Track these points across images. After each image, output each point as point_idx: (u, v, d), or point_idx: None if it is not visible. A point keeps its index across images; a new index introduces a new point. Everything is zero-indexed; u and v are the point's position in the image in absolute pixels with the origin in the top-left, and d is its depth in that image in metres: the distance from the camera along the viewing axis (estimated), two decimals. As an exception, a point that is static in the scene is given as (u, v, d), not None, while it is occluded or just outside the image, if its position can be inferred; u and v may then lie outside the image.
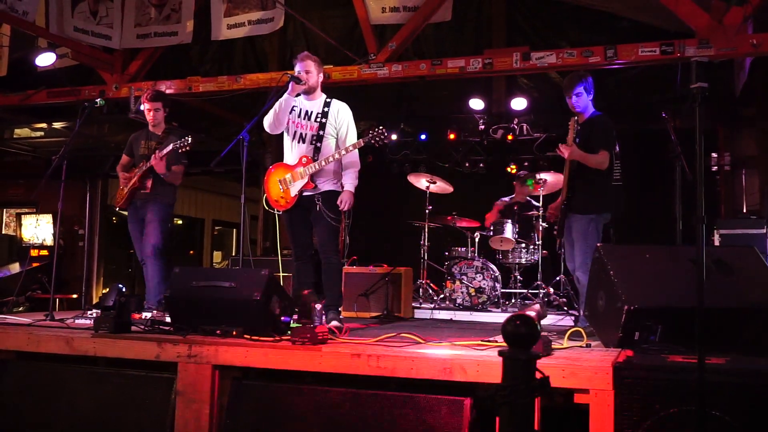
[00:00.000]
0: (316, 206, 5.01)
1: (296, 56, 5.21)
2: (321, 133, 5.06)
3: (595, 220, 5.17)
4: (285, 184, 5.09)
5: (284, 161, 5.19)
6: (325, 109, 5.12)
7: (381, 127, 4.96)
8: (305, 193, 5.04)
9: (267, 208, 5.32)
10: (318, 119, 5.09)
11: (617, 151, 5.26)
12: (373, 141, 4.95)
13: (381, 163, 9.82)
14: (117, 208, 6.08)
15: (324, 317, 4.88)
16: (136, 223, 5.94)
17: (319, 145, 5.04)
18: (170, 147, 5.64)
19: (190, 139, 5.62)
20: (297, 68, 5.10)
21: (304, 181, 5.01)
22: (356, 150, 5.05)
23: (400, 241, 9.16)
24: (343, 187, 5.10)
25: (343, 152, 4.97)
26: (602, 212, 5.21)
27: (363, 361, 3.61)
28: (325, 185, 5.07)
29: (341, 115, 5.14)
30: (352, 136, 5.12)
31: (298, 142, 5.12)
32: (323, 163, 4.98)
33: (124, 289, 4.61)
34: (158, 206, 5.87)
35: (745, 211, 8.04)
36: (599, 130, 5.19)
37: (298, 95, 5.17)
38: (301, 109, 5.16)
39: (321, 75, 5.21)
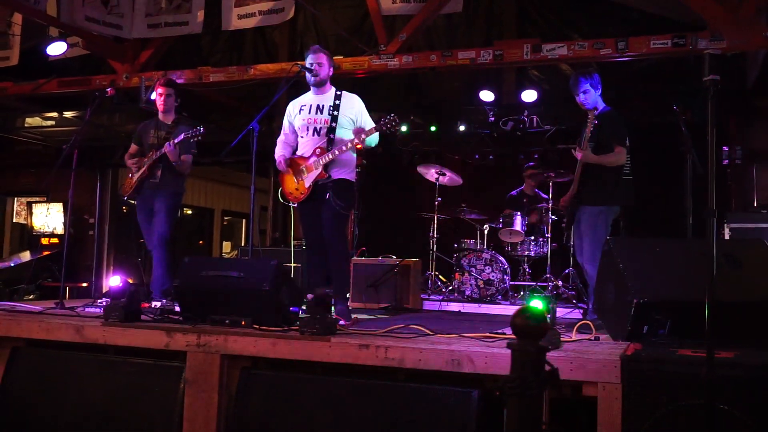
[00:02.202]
0: (327, 194, 5.02)
1: (308, 48, 5.25)
2: (333, 125, 5.08)
3: (604, 213, 5.16)
4: (300, 176, 5.11)
5: (298, 154, 5.22)
6: (337, 102, 5.14)
7: (393, 114, 4.98)
8: (319, 182, 5.06)
9: (282, 201, 5.35)
10: (330, 112, 5.11)
11: (628, 145, 5.25)
12: (385, 128, 4.96)
13: (390, 155, 9.81)
14: (125, 198, 6.09)
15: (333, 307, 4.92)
16: (145, 212, 5.94)
17: (332, 136, 5.06)
18: (182, 136, 5.65)
19: (202, 128, 5.64)
20: (309, 60, 5.14)
21: (318, 171, 5.03)
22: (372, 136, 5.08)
23: (409, 232, 9.15)
24: (355, 177, 5.20)
25: (356, 140, 4.98)
26: (612, 205, 5.21)
27: (371, 352, 3.62)
28: (338, 174, 5.09)
29: (354, 106, 5.18)
30: (369, 124, 5.15)
31: (312, 135, 5.14)
32: (336, 152, 5.00)
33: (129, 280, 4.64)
34: (167, 196, 5.87)
35: (756, 205, 8.00)
36: (611, 126, 5.18)
37: (306, 90, 5.24)
38: (311, 105, 5.19)
39: (332, 69, 5.23)
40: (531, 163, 8.58)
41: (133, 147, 6.12)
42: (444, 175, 7.98)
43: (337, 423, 3.66)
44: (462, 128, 9.37)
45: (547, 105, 8.89)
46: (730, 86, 7.43)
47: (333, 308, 4.91)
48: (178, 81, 7.74)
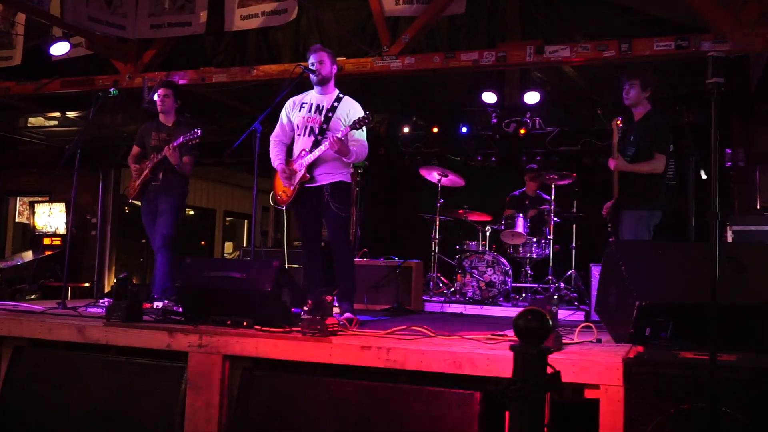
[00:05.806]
0: (324, 197, 4.99)
1: (309, 48, 5.22)
2: (324, 126, 5.03)
3: (645, 217, 5.14)
4: (288, 179, 5.10)
5: (294, 153, 5.21)
6: (335, 104, 5.10)
7: (368, 112, 4.95)
8: (309, 185, 5.02)
9: (273, 204, 5.36)
10: (325, 113, 5.08)
11: (671, 150, 5.23)
12: (357, 126, 4.91)
13: (393, 156, 9.81)
14: (130, 200, 6.13)
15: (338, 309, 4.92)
16: (150, 214, 5.98)
17: (320, 138, 5.01)
18: (180, 139, 5.69)
19: (199, 131, 5.66)
20: (310, 59, 5.11)
21: (301, 173, 5.02)
22: (361, 143, 5.03)
23: (411, 234, 9.15)
24: (351, 178, 5.13)
25: (331, 139, 4.82)
26: (653, 210, 5.18)
27: (373, 354, 3.62)
28: (330, 177, 5.03)
29: (352, 113, 5.07)
30: (361, 134, 5.07)
31: (308, 135, 5.09)
32: (317, 153, 4.95)
33: (124, 276, 4.65)
34: (170, 197, 5.91)
35: (759, 207, 7.99)
36: (653, 133, 5.16)
37: (311, 88, 5.20)
38: (312, 104, 5.15)
39: (335, 68, 5.18)
40: (533, 165, 8.57)
41: (135, 149, 6.15)
42: (446, 176, 7.98)
43: (338, 424, 3.66)
44: (464, 130, 9.37)
45: (550, 107, 8.88)
46: (733, 89, 7.43)
47: (338, 309, 4.94)
48: (181, 81, 7.75)
